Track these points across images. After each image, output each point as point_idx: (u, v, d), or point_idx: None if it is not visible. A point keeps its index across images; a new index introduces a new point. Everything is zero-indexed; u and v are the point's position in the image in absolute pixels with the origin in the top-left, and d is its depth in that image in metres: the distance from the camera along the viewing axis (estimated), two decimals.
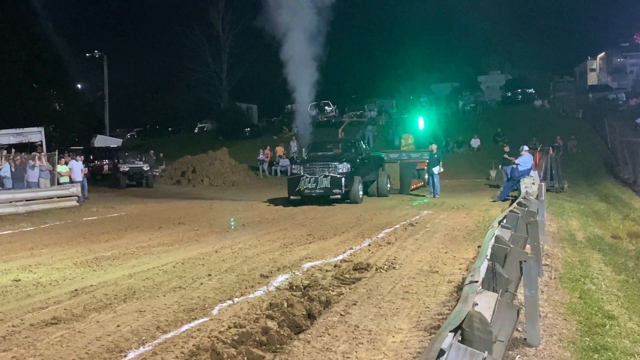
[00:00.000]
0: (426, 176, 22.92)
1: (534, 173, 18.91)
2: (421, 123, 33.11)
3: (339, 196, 18.94)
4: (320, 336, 5.71)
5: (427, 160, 22.53)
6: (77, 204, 20.95)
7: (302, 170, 19.25)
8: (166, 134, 65.24)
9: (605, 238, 12.42)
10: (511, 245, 5.41)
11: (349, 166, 19.14)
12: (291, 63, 21.23)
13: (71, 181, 22.64)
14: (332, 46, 22.00)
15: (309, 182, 18.91)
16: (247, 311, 6.57)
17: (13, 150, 25.50)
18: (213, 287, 7.84)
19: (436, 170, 21.40)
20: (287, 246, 11.12)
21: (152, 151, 37.48)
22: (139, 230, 14.30)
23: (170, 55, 64.36)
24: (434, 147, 30.01)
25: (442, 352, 2.59)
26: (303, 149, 22.17)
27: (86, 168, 24.27)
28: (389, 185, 22.14)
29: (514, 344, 5.29)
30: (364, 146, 22.48)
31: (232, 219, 14.47)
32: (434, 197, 20.99)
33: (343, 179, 18.78)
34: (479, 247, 8.39)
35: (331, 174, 18.87)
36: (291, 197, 19.40)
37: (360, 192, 19.59)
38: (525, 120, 43.39)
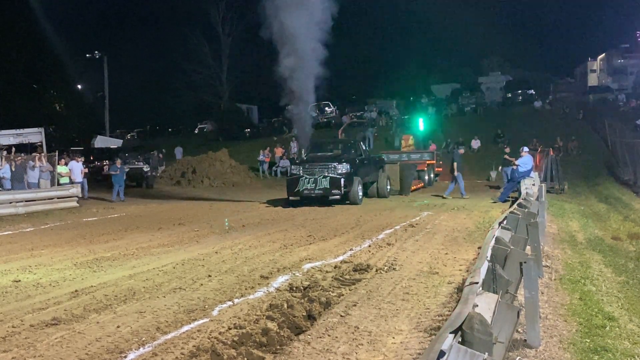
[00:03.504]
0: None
1: (534, 174, 18.91)
2: (421, 124, 33.15)
3: (338, 197, 18.87)
4: (320, 337, 5.71)
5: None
6: (75, 203, 20.96)
7: (301, 171, 19.16)
8: (166, 134, 65.28)
9: (605, 239, 12.42)
10: (511, 247, 5.40)
11: (348, 167, 19.02)
12: (291, 63, 21.19)
13: (71, 182, 22.68)
14: (333, 47, 21.93)
15: (308, 183, 18.80)
16: (247, 312, 6.57)
17: (13, 150, 25.53)
18: (213, 288, 7.84)
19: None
20: (287, 247, 11.11)
21: (155, 151, 37.74)
22: (139, 231, 14.30)
23: (171, 56, 64.35)
24: (433, 146, 30.09)
25: (442, 354, 2.58)
26: (302, 150, 22.12)
27: (86, 168, 24.33)
28: (389, 187, 22.05)
29: (514, 345, 5.29)
30: (364, 147, 22.38)
31: (226, 219, 14.43)
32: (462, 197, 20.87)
33: (342, 180, 18.67)
34: (479, 248, 8.39)
35: (330, 175, 18.76)
36: (290, 197, 19.34)
37: (360, 193, 19.50)
38: (526, 121, 43.39)
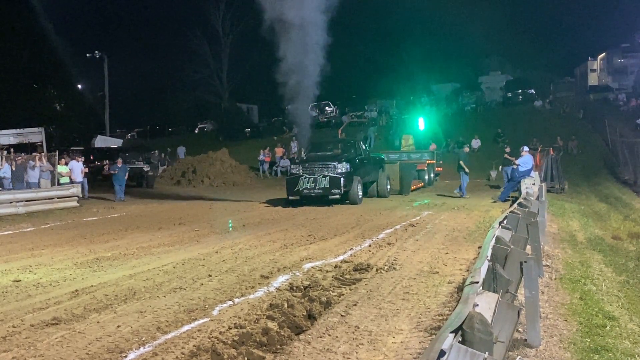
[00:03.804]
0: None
1: (534, 174, 18.91)
2: (421, 124, 33.08)
3: (338, 196, 18.76)
4: (321, 337, 5.71)
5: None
6: (76, 203, 20.96)
7: (300, 170, 19.07)
8: (167, 134, 65.30)
9: (605, 239, 12.43)
10: (512, 246, 5.40)
11: (348, 166, 18.93)
12: (291, 63, 21.15)
13: (71, 181, 22.68)
14: (333, 46, 21.91)
15: (308, 182, 18.70)
16: (247, 312, 6.57)
17: (11, 150, 25.54)
18: (213, 287, 7.84)
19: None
20: (288, 247, 11.11)
21: (157, 151, 38.00)
22: (140, 231, 14.29)
23: (171, 56, 64.51)
24: (433, 146, 30.04)
25: (442, 353, 2.58)
26: (302, 149, 22.06)
27: (86, 168, 24.34)
28: (389, 187, 21.95)
29: (515, 344, 5.29)
30: (364, 146, 22.23)
31: (230, 221, 14.41)
32: (462, 197, 20.87)
33: (342, 179, 18.56)
34: (480, 247, 8.39)
35: (330, 174, 18.66)
36: (290, 197, 19.21)
37: (360, 193, 19.42)
38: (526, 120, 43.42)
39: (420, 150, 28.70)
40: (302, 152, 21.49)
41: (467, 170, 21.10)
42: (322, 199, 19.03)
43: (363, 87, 68.49)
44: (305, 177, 18.80)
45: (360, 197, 19.39)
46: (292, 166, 19.93)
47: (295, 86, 21.29)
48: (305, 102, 22.72)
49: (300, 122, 23.17)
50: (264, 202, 21.12)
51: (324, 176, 18.66)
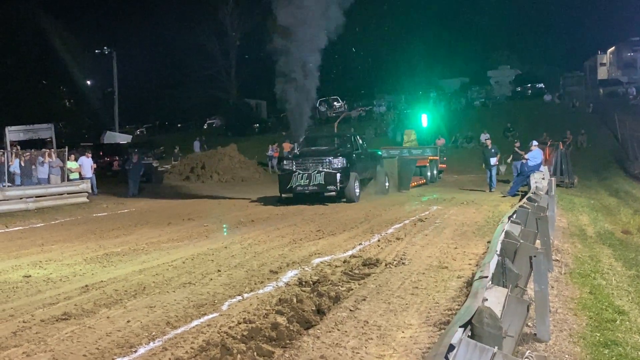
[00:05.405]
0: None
1: (543, 168, 18.80)
2: (424, 120, 32.79)
3: (333, 193, 17.94)
4: (330, 332, 5.71)
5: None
6: (85, 199, 21.02)
7: (293, 166, 18.11)
8: (175, 130, 65.42)
9: (615, 233, 12.37)
10: (521, 241, 5.39)
11: (344, 161, 17.93)
12: (296, 60, 20.99)
13: (81, 177, 22.76)
14: (340, 43, 21.83)
15: (302, 179, 17.63)
16: (256, 307, 6.58)
17: (18, 147, 25.67)
18: (223, 282, 7.86)
19: (493, 161, 21.25)
20: (297, 242, 11.12)
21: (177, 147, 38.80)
22: (149, 226, 14.34)
23: (180, 52, 64.06)
24: (442, 141, 29.81)
25: (452, 348, 2.58)
26: (295, 144, 21.43)
27: (94, 164, 24.42)
28: (387, 184, 21.00)
29: (524, 339, 5.28)
30: (360, 141, 20.92)
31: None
32: (490, 191, 20.73)
33: (338, 175, 17.55)
34: (489, 242, 8.36)
35: (325, 170, 17.67)
36: (282, 195, 18.29)
37: (357, 190, 18.44)
38: (535, 115, 43.23)
39: (423, 145, 28.27)
40: (296, 148, 20.61)
41: (493, 163, 21.16)
42: (316, 197, 18.17)
43: (372, 83, 68.34)
44: (299, 173, 17.74)
45: (357, 194, 18.41)
46: (285, 162, 19.01)
47: (295, 82, 21.09)
48: (305, 98, 22.40)
49: (295, 117, 22.59)
50: (272, 197, 21.08)
51: (319, 172, 17.64)
